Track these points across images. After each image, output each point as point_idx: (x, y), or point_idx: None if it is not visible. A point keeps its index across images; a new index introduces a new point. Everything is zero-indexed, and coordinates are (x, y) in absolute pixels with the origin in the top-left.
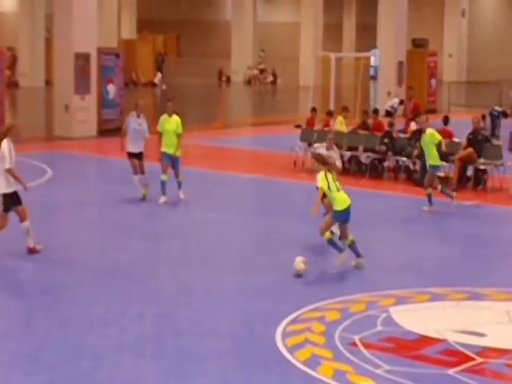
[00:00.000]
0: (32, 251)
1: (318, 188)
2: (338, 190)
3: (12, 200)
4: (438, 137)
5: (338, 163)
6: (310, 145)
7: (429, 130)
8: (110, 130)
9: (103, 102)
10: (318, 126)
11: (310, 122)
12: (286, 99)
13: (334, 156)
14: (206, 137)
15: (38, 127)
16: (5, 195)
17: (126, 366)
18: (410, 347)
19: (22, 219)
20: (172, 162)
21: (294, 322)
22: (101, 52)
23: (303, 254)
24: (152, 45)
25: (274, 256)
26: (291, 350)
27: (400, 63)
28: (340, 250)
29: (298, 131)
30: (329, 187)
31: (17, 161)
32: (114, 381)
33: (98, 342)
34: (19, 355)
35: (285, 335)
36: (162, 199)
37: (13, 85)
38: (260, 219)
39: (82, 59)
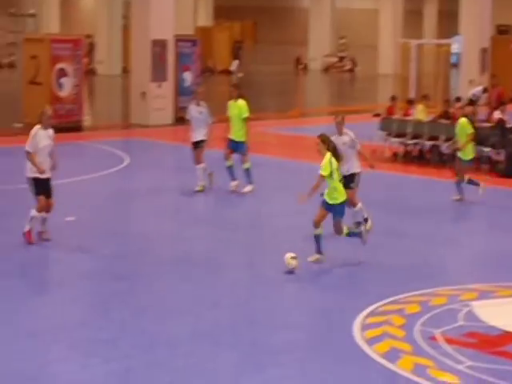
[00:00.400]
0: (26, 236)
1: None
2: (339, 180)
3: (32, 185)
4: None
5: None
6: (389, 134)
7: None
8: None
9: (180, 90)
10: (397, 115)
11: (390, 111)
12: (365, 87)
13: (345, 139)
14: (282, 125)
15: (115, 115)
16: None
17: (201, 354)
18: (493, 343)
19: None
20: (236, 147)
21: (372, 314)
22: (178, 39)
23: (382, 244)
24: (228, 32)
25: None
26: (369, 342)
27: (483, 50)
28: (360, 234)
29: (377, 120)
30: (331, 175)
31: (48, 148)
32: (190, 369)
33: (174, 330)
34: (97, 342)
35: (363, 327)
36: (233, 184)
37: (90, 72)
38: None
39: (159, 46)
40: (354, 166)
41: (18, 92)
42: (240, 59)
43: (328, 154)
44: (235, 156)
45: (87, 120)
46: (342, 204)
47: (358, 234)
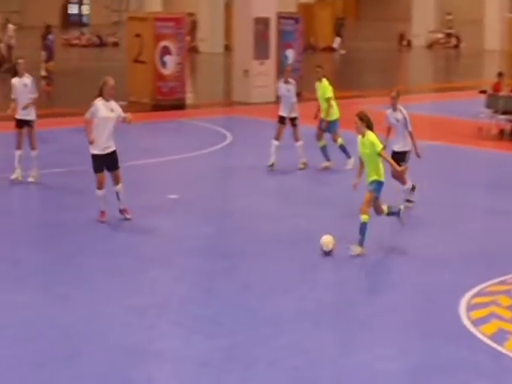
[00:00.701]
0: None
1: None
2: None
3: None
4: None
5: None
6: (495, 111)
7: None
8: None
9: (282, 67)
10: (504, 92)
11: (496, 88)
12: (470, 64)
13: (399, 116)
14: (385, 103)
15: (217, 92)
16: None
17: (304, 333)
18: None
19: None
20: (326, 127)
21: (478, 294)
22: (280, 17)
23: (487, 223)
24: (331, 9)
25: (458, 227)
26: (476, 323)
27: None
28: (362, 241)
29: (483, 97)
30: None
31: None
32: (294, 348)
33: (277, 308)
34: (201, 318)
35: (469, 308)
36: (324, 164)
37: (193, 50)
38: (441, 188)
39: (262, 24)
40: (406, 143)
41: (122, 70)
42: (342, 36)
43: (370, 132)
44: (327, 135)
45: (190, 98)
46: (380, 183)
47: (397, 213)
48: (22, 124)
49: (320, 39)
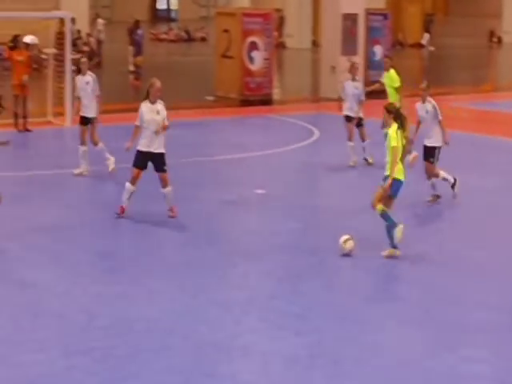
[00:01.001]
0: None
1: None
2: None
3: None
4: None
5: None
6: None
7: None
8: (377, 91)
9: (370, 63)
10: None
11: None
12: None
13: (428, 107)
14: (474, 100)
15: (305, 88)
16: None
17: (390, 331)
18: None
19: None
20: None
21: None
22: (369, 13)
23: None
24: (420, 4)
25: None
26: None
27: None
28: (394, 224)
29: None
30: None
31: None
32: (378, 346)
33: (363, 306)
34: (288, 314)
35: None
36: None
37: (280, 46)
38: None
39: (350, 20)
40: (436, 138)
41: (209, 65)
42: (431, 32)
43: (394, 125)
44: None
45: (276, 93)
46: (401, 182)
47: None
48: (84, 121)
49: (408, 35)
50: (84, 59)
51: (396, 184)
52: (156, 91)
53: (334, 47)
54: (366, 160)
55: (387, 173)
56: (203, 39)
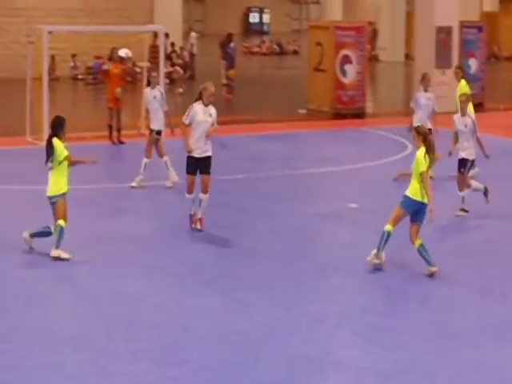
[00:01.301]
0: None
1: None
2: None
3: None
4: None
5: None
6: None
7: None
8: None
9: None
10: None
11: None
12: None
13: (468, 121)
14: None
15: (398, 102)
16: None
17: (486, 348)
18: None
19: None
20: None
21: None
22: (463, 25)
23: None
24: None
25: None
26: None
27: None
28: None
29: None
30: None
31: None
32: (475, 363)
33: (458, 321)
34: (382, 329)
35: None
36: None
37: (373, 59)
38: None
39: (444, 33)
40: (470, 151)
41: (302, 78)
42: None
43: (423, 149)
44: None
45: (369, 107)
46: (424, 205)
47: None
48: (152, 133)
49: (504, 48)
50: (155, 73)
51: (408, 202)
52: (209, 95)
53: (427, 60)
54: None
55: (419, 198)
56: (295, 52)
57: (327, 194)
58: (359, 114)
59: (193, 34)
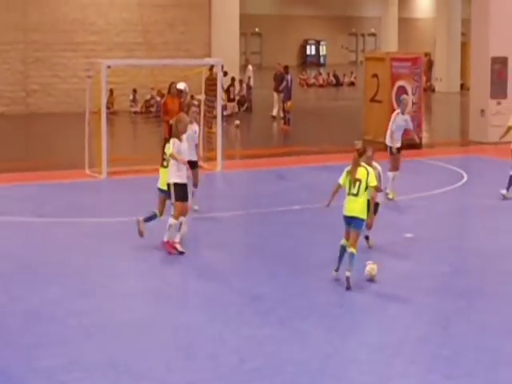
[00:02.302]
0: (169, 247)
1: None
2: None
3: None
4: None
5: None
6: None
7: None
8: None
9: None
10: None
11: None
12: None
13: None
14: None
15: (454, 132)
16: (174, 184)
17: None
18: None
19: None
20: None
21: None
22: None
23: None
24: None
25: None
26: None
27: None
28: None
29: None
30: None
31: None
32: None
33: None
34: (439, 358)
35: None
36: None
37: (429, 89)
38: None
39: (499, 63)
40: None
41: (358, 110)
42: None
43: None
44: None
45: (426, 137)
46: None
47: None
48: (191, 165)
49: None
50: (195, 108)
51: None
52: (184, 127)
53: (482, 90)
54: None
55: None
56: (352, 84)
57: (384, 224)
58: (415, 145)
59: (250, 67)
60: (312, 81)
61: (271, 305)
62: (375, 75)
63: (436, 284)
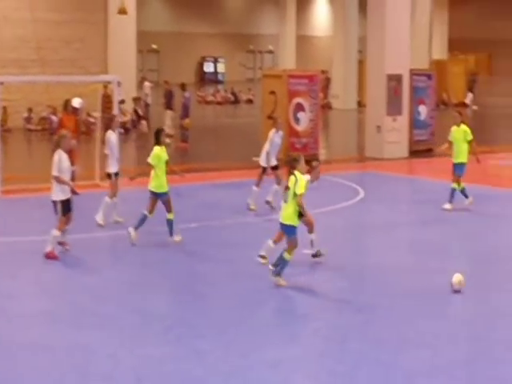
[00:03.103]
0: (49, 256)
1: None
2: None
3: (63, 206)
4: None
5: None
6: None
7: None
8: (421, 150)
9: (414, 123)
10: None
11: None
12: None
13: None
14: None
15: (350, 148)
16: (61, 201)
17: None
18: None
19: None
20: (459, 169)
21: None
22: (413, 73)
23: None
24: (464, 64)
25: None
26: None
27: None
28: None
29: None
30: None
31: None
32: None
33: (411, 363)
34: (336, 373)
35: None
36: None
37: (326, 107)
38: None
39: (395, 80)
40: None
41: (256, 127)
42: (474, 92)
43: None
44: None
45: (323, 153)
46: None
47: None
48: (115, 176)
49: (452, 95)
50: (117, 118)
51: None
52: (69, 141)
53: (378, 107)
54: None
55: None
56: (250, 101)
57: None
58: (312, 161)
59: (146, 84)
60: (210, 98)
61: (168, 323)
62: (273, 92)
63: (333, 299)
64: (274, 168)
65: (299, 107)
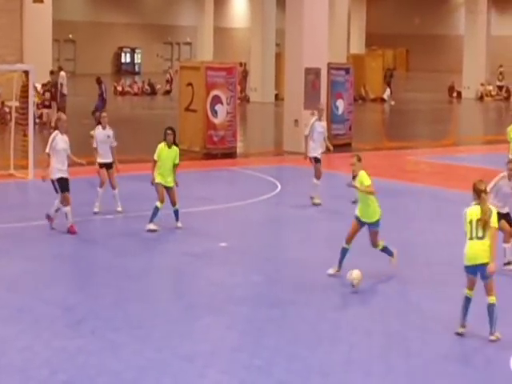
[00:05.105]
0: (72, 231)
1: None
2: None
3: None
4: None
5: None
6: None
7: None
8: (339, 145)
9: (332, 117)
10: None
11: None
12: None
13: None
14: (435, 154)
15: (268, 142)
16: (56, 180)
17: (353, 383)
18: None
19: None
20: None
21: None
22: (331, 67)
23: None
24: (381, 59)
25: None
26: None
27: None
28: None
29: None
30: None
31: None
32: None
33: (326, 358)
34: (251, 368)
35: None
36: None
37: (244, 99)
38: None
39: (313, 74)
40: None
41: (173, 119)
42: (391, 87)
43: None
44: None
45: (240, 147)
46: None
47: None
48: (106, 166)
49: (370, 90)
50: (105, 114)
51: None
52: (63, 123)
53: (296, 101)
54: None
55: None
56: (167, 92)
57: (199, 234)
58: (230, 154)
59: (62, 73)
60: (127, 89)
61: (83, 316)
62: (190, 84)
63: (249, 293)
64: (316, 160)
65: (217, 99)
